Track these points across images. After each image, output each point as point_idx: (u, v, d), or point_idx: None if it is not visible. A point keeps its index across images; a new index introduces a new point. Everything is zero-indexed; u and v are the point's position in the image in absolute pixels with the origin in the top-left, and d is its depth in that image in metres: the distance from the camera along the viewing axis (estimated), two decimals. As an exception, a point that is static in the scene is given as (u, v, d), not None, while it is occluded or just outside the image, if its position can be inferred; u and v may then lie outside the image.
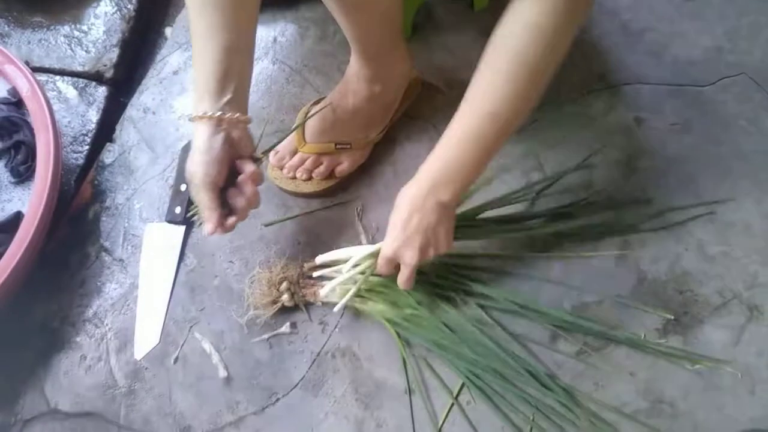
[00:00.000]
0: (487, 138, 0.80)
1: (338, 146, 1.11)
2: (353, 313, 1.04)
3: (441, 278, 1.03)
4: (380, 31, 1.00)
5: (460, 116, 0.81)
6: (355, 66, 1.06)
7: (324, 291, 0.99)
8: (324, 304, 1.04)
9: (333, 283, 0.99)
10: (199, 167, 0.85)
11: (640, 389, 0.96)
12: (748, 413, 0.93)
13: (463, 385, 0.97)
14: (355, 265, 0.97)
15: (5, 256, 1.00)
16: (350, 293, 0.97)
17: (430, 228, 0.86)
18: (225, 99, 0.84)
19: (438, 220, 0.86)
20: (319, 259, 1.03)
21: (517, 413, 0.94)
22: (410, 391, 0.98)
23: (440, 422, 0.96)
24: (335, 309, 0.97)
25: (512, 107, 0.78)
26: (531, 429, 0.94)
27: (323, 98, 1.15)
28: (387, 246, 0.89)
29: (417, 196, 0.84)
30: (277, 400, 1.00)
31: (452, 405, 0.97)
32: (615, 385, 0.96)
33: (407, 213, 0.85)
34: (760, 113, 1.14)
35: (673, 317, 0.99)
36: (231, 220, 0.91)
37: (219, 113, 0.84)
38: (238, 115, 0.86)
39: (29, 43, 1.40)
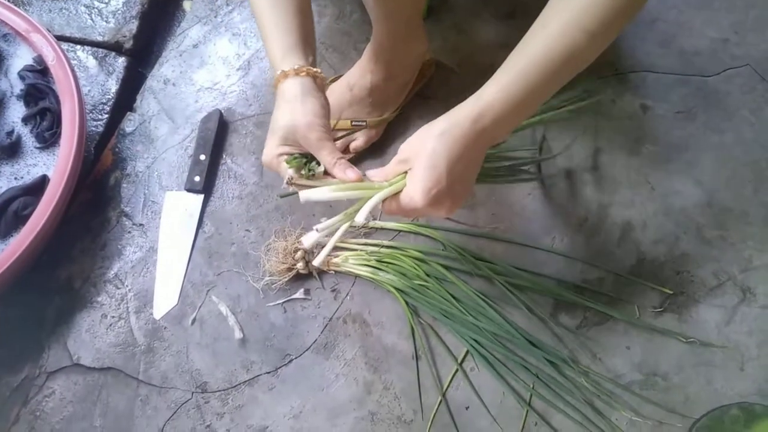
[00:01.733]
0: (574, 59, 0.68)
1: (354, 123, 1.15)
2: (364, 282, 1.09)
3: (449, 250, 1.07)
4: (406, 14, 1.02)
5: (541, 36, 0.68)
6: (374, 46, 1.09)
7: (308, 240, 0.83)
8: (336, 272, 1.09)
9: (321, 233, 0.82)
10: (318, 118, 0.77)
11: (635, 362, 1.01)
12: (736, 388, 0.98)
13: (467, 352, 1.03)
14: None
15: (32, 218, 1.04)
16: (339, 232, 0.82)
17: (474, 174, 0.76)
18: (311, 58, 0.81)
19: (480, 165, 0.76)
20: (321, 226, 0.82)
21: (518, 381, 1.00)
22: (417, 357, 1.03)
23: (444, 386, 1.01)
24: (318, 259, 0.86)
25: (608, 24, 0.66)
26: (531, 396, 0.99)
27: (340, 76, 1.19)
28: (422, 191, 0.71)
29: (470, 133, 0.70)
30: (290, 361, 1.05)
31: (456, 371, 1.02)
32: (612, 357, 1.01)
33: (456, 152, 0.70)
34: (763, 104, 1.18)
35: (671, 291, 1.04)
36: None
37: (317, 70, 0.80)
38: (325, 78, 0.82)
39: (50, 11, 1.43)
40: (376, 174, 0.80)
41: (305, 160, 0.80)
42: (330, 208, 1.14)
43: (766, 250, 1.07)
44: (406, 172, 0.76)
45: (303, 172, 0.79)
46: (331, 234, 0.83)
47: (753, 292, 1.05)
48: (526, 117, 0.76)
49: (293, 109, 0.78)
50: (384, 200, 0.77)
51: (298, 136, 0.78)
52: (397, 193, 0.76)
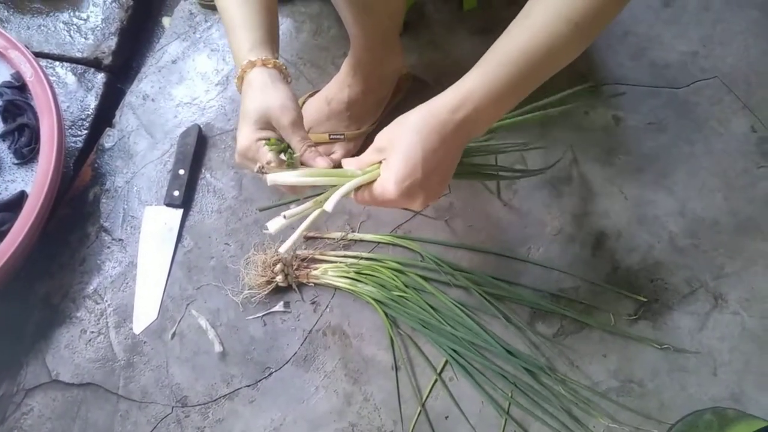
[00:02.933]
0: (557, 51, 0.66)
1: (332, 137, 1.16)
2: (344, 294, 1.10)
3: (427, 261, 1.08)
4: (384, 30, 1.03)
5: (524, 27, 0.67)
6: (352, 61, 1.10)
7: (273, 225, 0.74)
8: (316, 285, 1.10)
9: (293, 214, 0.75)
10: (290, 102, 0.77)
11: (611, 369, 1.02)
12: (709, 393, 1.00)
13: (446, 362, 1.04)
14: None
15: (10, 234, 1.04)
16: (309, 220, 0.76)
17: (450, 168, 0.72)
18: (276, 55, 0.82)
19: (457, 159, 0.73)
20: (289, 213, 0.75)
21: (497, 389, 1.01)
22: (396, 368, 1.04)
23: (424, 397, 1.02)
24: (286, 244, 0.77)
25: (593, 16, 0.65)
26: (509, 405, 1.00)
27: (318, 90, 1.20)
28: (396, 182, 0.68)
29: (448, 123, 0.68)
30: (270, 374, 1.05)
31: (436, 381, 1.03)
32: (589, 365, 1.03)
33: (433, 143, 0.67)
34: (730, 115, 1.20)
35: (645, 299, 1.05)
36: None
37: (283, 65, 0.80)
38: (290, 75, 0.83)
39: (28, 28, 1.43)
40: (350, 163, 0.77)
41: (286, 144, 0.78)
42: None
43: (736, 257, 1.09)
44: (380, 162, 0.73)
45: (285, 156, 0.76)
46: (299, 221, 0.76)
47: (725, 298, 1.07)
48: (507, 110, 0.72)
49: (265, 93, 0.77)
50: (357, 189, 0.74)
51: (271, 118, 0.76)
52: (370, 183, 0.73)
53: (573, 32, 0.65)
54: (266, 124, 0.78)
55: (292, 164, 0.77)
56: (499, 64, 0.67)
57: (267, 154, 0.76)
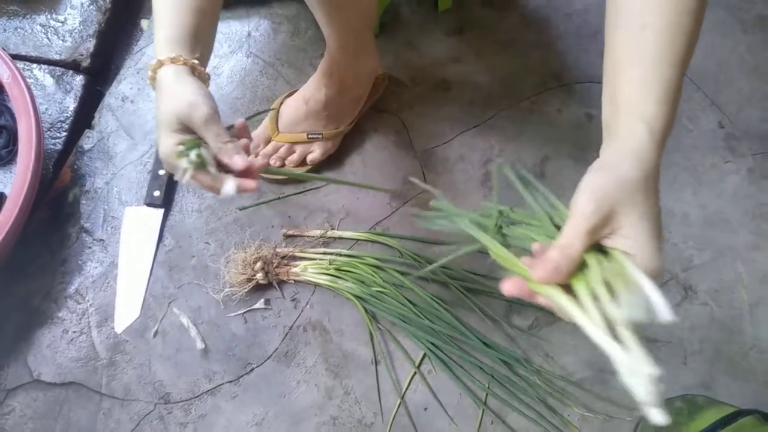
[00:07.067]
0: (690, 44, 0.60)
1: (310, 136, 1.18)
2: (324, 290, 1.11)
3: (405, 257, 1.10)
4: (357, 29, 1.05)
5: (650, 39, 0.60)
6: (328, 61, 1.11)
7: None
8: (296, 282, 1.11)
9: None
10: (199, 97, 0.71)
11: (585, 360, 1.05)
12: (680, 381, 1.03)
13: (424, 355, 1.06)
14: None
15: (-11, 235, 1.04)
16: None
17: None
18: (198, 55, 0.76)
19: None
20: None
21: (474, 381, 1.03)
22: (376, 362, 1.06)
23: (403, 390, 1.04)
24: None
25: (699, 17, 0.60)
26: (486, 396, 1.02)
27: (296, 90, 1.22)
28: (657, 251, 0.54)
29: (655, 169, 0.58)
30: (252, 370, 1.07)
31: (414, 374, 1.05)
32: (563, 356, 1.06)
33: (656, 195, 0.57)
34: (699, 112, 1.24)
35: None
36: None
37: (196, 62, 0.75)
38: (207, 73, 0.78)
39: (5, 30, 1.43)
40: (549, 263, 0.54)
41: (197, 145, 0.72)
42: (288, 218, 1.17)
43: (705, 249, 1.12)
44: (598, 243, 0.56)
45: (193, 156, 0.70)
46: None
47: (694, 290, 1.10)
48: None
49: (172, 92, 0.72)
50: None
51: (181, 118, 0.71)
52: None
53: (695, 19, 0.60)
54: (180, 125, 0.72)
55: (201, 164, 0.71)
56: (667, 94, 0.60)
57: (183, 162, 0.71)
